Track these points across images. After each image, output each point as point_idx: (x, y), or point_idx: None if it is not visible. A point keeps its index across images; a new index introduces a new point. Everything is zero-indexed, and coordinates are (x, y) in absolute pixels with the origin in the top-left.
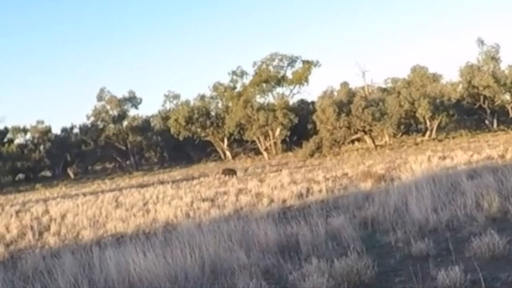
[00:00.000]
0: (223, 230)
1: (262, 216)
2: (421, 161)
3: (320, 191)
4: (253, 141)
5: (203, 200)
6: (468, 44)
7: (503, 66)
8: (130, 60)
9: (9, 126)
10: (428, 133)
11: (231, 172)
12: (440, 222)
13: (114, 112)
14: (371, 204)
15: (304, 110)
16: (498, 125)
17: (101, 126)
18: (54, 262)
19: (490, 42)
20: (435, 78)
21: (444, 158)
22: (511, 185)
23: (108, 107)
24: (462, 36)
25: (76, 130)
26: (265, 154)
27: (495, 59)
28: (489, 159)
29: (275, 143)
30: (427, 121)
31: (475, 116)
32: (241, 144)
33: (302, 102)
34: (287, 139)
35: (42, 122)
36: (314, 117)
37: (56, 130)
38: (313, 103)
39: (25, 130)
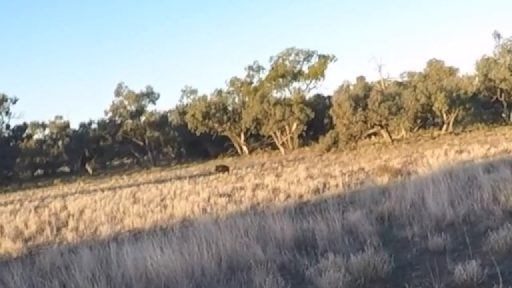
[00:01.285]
0: (240, 226)
1: (279, 211)
2: (437, 155)
3: (337, 186)
4: (270, 136)
5: (220, 195)
6: (485, 38)
7: None
8: (148, 56)
9: (28, 122)
10: (444, 126)
11: (224, 168)
12: (457, 216)
13: (132, 108)
14: (388, 198)
15: (321, 105)
16: None
17: (119, 121)
18: (72, 258)
19: (507, 35)
20: (452, 71)
21: (461, 151)
22: None
23: (126, 102)
24: (479, 29)
25: (94, 126)
26: (281, 149)
27: (511, 52)
28: (506, 153)
29: (291, 138)
30: (444, 115)
31: (492, 109)
32: (257, 139)
33: (319, 96)
34: (304, 133)
35: (61, 117)
36: (330, 111)
37: (75, 125)
38: (329, 97)
39: (43, 126)
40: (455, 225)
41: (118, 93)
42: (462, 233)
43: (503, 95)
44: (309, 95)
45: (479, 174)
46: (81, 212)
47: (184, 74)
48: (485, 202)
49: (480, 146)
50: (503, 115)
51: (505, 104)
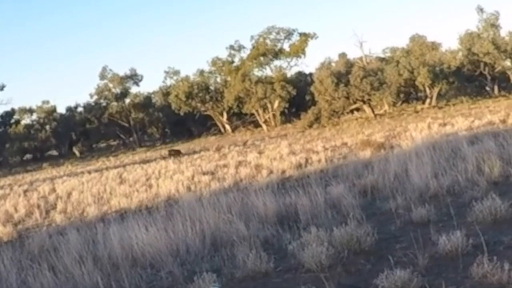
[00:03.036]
0: (223, 203)
1: (262, 188)
2: (421, 129)
3: (319, 161)
4: (252, 114)
5: (204, 173)
6: (467, 12)
7: (503, 33)
8: (131, 39)
9: (16, 107)
10: (428, 100)
11: (176, 152)
12: (441, 187)
13: (117, 90)
14: (371, 172)
15: (302, 82)
16: (499, 91)
17: (104, 104)
18: (60, 240)
19: (490, 9)
20: (434, 46)
21: (444, 125)
22: None
23: (111, 85)
24: (461, 4)
25: (80, 109)
26: (264, 126)
27: (494, 26)
28: (490, 125)
29: (274, 115)
30: (427, 89)
31: (476, 82)
32: (240, 117)
33: (300, 74)
34: (286, 111)
35: (48, 102)
36: (312, 88)
37: (61, 109)
38: (311, 74)
39: (31, 111)
40: (439, 196)
41: (102, 76)
42: (446, 204)
43: (486, 68)
44: (290, 73)
45: (463, 146)
46: (69, 195)
47: (167, 56)
48: (469, 173)
49: (464, 119)
50: (487, 88)
51: (488, 78)
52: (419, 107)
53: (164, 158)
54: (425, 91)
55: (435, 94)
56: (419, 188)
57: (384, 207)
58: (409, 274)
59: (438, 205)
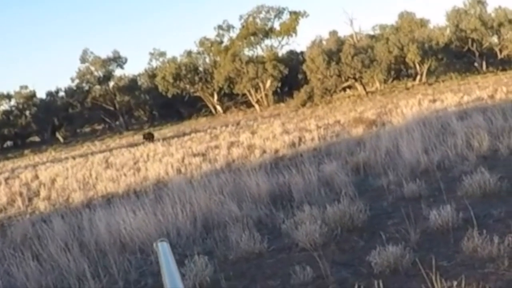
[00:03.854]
0: (214, 184)
1: (254, 168)
2: (411, 105)
3: (312, 139)
4: (244, 94)
5: (194, 155)
6: None
7: (490, 9)
8: (113, 21)
9: None
10: (418, 77)
11: (150, 136)
12: (431, 163)
13: (99, 73)
14: (363, 149)
15: (294, 61)
16: (487, 67)
17: (86, 88)
18: (44, 228)
19: None
20: (423, 23)
21: (434, 101)
22: (501, 123)
23: (93, 68)
24: None
25: (61, 94)
26: (256, 106)
27: (481, 2)
28: (479, 100)
29: (266, 95)
30: (417, 66)
31: (464, 59)
32: (231, 98)
33: (292, 53)
34: (278, 90)
35: (26, 87)
36: (304, 67)
37: (41, 94)
38: (302, 53)
39: (9, 96)
40: (430, 171)
41: (83, 59)
42: (436, 179)
43: (474, 44)
44: (282, 52)
45: (452, 122)
46: (53, 181)
47: (152, 37)
48: (459, 148)
49: (454, 95)
50: (475, 64)
51: (477, 54)
52: (409, 84)
53: (138, 144)
54: (415, 68)
55: (425, 71)
56: (410, 164)
57: (376, 184)
58: (401, 250)
59: (429, 180)
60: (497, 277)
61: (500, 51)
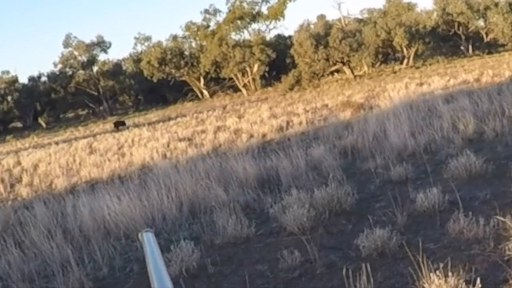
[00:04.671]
0: (200, 169)
1: (241, 152)
2: (399, 89)
3: (300, 123)
4: (231, 79)
5: (180, 140)
6: None
7: None
8: (97, 4)
9: None
10: (405, 61)
11: (121, 123)
12: (418, 146)
13: (83, 58)
14: (351, 133)
15: (282, 45)
16: (473, 51)
17: (70, 72)
18: (26, 214)
19: None
20: (410, 7)
21: (421, 84)
22: (486, 106)
23: (76, 53)
24: None
25: (44, 79)
26: (244, 90)
27: None
28: (465, 83)
29: (253, 79)
30: (404, 50)
31: (451, 42)
32: (218, 82)
33: (279, 37)
34: (266, 74)
35: (8, 72)
36: (292, 51)
37: (23, 79)
38: (290, 37)
39: None
40: (416, 154)
41: (66, 44)
42: (423, 162)
43: (460, 28)
44: (269, 36)
45: (439, 105)
46: (36, 167)
47: (137, 22)
48: (445, 131)
49: (440, 78)
50: (462, 47)
51: (463, 37)
52: (397, 68)
53: (122, 130)
54: (402, 51)
55: (412, 54)
56: (397, 147)
57: (364, 167)
58: (388, 233)
59: (416, 163)
60: (483, 258)
61: (486, 34)
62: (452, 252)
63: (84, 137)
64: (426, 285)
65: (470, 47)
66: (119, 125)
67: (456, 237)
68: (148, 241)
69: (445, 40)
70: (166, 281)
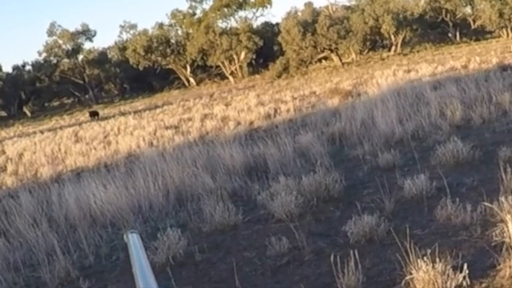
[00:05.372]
0: (187, 156)
1: (228, 140)
2: (387, 76)
3: (288, 110)
4: (218, 66)
5: (167, 128)
6: None
7: None
8: None
9: None
10: (393, 48)
11: (95, 113)
12: (405, 133)
13: (68, 46)
14: (339, 120)
15: (269, 33)
16: (460, 38)
17: (54, 61)
18: (11, 203)
19: None
20: None
21: (409, 71)
22: (474, 93)
23: (61, 41)
24: None
25: (28, 68)
26: (231, 78)
27: None
28: (453, 70)
29: (240, 67)
30: (392, 37)
31: (438, 29)
32: (205, 70)
33: (267, 24)
34: (253, 62)
35: None
36: (279, 38)
37: (7, 69)
38: (277, 25)
39: None
40: (404, 141)
41: (51, 32)
42: (410, 149)
43: (448, 15)
44: (256, 24)
45: (426, 92)
46: (20, 156)
47: (122, 10)
48: (433, 118)
49: (428, 65)
50: (449, 34)
51: (450, 24)
52: (385, 55)
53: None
54: (390, 38)
55: (399, 42)
56: (385, 134)
57: (352, 154)
58: (376, 219)
59: (403, 150)
60: (470, 244)
61: (474, 21)
62: (440, 238)
63: (69, 126)
64: (413, 271)
65: (457, 34)
66: (94, 115)
67: (444, 223)
68: (133, 241)
69: (433, 27)
70: (151, 282)
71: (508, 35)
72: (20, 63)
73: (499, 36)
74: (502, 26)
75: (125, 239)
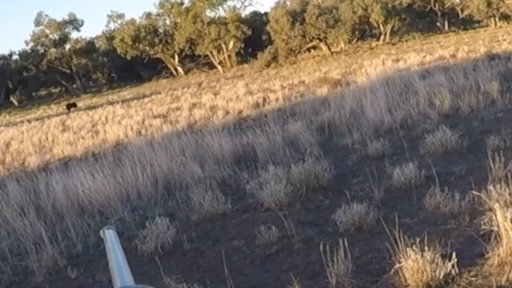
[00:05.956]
0: (176, 145)
1: (217, 129)
2: (375, 65)
3: (277, 99)
4: (206, 56)
5: (155, 117)
6: None
7: None
8: None
9: None
10: (382, 37)
11: (72, 105)
12: (394, 122)
13: (55, 36)
14: (328, 109)
15: (258, 22)
16: (449, 27)
17: (41, 51)
18: None
19: None
20: None
21: (397, 60)
22: (462, 82)
23: (48, 31)
24: None
25: (15, 57)
26: (219, 67)
27: None
28: (441, 59)
29: (229, 56)
30: (381, 26)
31: (427, 18)
32: (193, 59)
33: (255, 14)
34: (242, 51)
35: None
36: (268, 28)
37: None
38: (266, 14)
39: None
40: (393, 130)
41: (38, 22)
42: (399, 138)
43: (436, 4)
44: (245, 13)
45: (415, 81)
46: (7, 145)
47: (109, 0)
48: (421, 107)
49: (416, 54)
50: (438, 24)
51: (439, 13)
52: (373, 44)
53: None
54: (379, 28)
55: (388, 31)
56: (374, 123)
57: (341, 143)
58: (365, 208)
59: (392, 139)
60: (459, 233)
61: (462, 10)
62: (428, 227)
63: (57, 115)
64: (402, 259)
65: (446, 23)
66: (70, 107)
67: (432, 212)
68: (110, 238)
69: (421, 16)
70: (127, 278)
71: (496, 24)
72: (7, 52)
73: (487, 25)
74: (490, 15)
75: (101, 235)
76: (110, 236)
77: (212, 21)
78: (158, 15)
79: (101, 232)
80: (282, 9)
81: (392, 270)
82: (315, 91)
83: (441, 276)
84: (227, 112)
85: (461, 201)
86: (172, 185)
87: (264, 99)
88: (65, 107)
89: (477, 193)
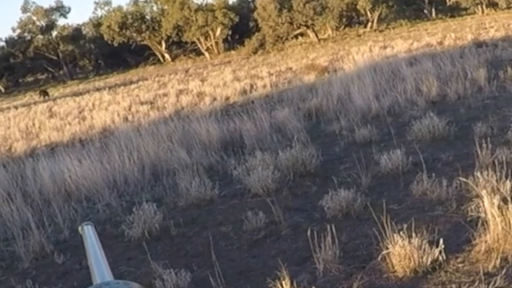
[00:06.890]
0: (163, 131)
1: (204, 115)
2: (363, 52)
3: (264, 86)
4: (193, 42)
5: (142, 103)
6: None
7: None
8: None
9: None
10: (369, 24)
11: (44, 93)
12: (382, 108)
13: (42, 23)
14: (315, 95)
15: (245, 9)
16: (436, 14)
17: (28, 37)
18: None
19: None
20: None
21: (385, 47)
22: (449, 69)
23: (35, 18)
24: None
25: (2, 44)
26: (206, 54)
27: None
28: (428, 46)
29: (216, 43)
30: (368, 13)
31: (414, 6)
32: (180, 46)
33: (242, 1)
34: (229, 38)
35: None
36: (255, 15)
37: None
38: (253, 1)
39: None
40: (380, 117)
41: (25, 9)
42: (387, 124)
43: None
44: (232, 0)
45: (402, 68)
46: None
47: None
48: (409, 94)
49: (404, 41)
50: (425, 11)
51: (426, 1)
52: (361, 31)
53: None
54: (366, 15)
55: (376, 18)
56: (361, 110)
57: (329, 129)
58: (353, 194)
59: (380, 125)
60: (446, 219)
61: None
62: (416, 213)
63: (43, 101)
64: (390, 246)
65: (433, 10)
66: (44, 94)
67: (420, 198)
68: (89, 234)
69: (408, 3)
70: (106, 275)
71: (483, 11)
72: None
73: (474, 12)
74: (477, 3)
75: (80, 231)
76: (88, 232)
77: (199, 8)
78: (145, 1)
79: (79, 228)
80: None
81: (380, 256)
82: (303, 78)
83: (428, 262)
84: (214, 99)
85: (448, 187)
86: (159, 171)
87: (252, 86)
88: (38, 94)
89: (464, 179)
